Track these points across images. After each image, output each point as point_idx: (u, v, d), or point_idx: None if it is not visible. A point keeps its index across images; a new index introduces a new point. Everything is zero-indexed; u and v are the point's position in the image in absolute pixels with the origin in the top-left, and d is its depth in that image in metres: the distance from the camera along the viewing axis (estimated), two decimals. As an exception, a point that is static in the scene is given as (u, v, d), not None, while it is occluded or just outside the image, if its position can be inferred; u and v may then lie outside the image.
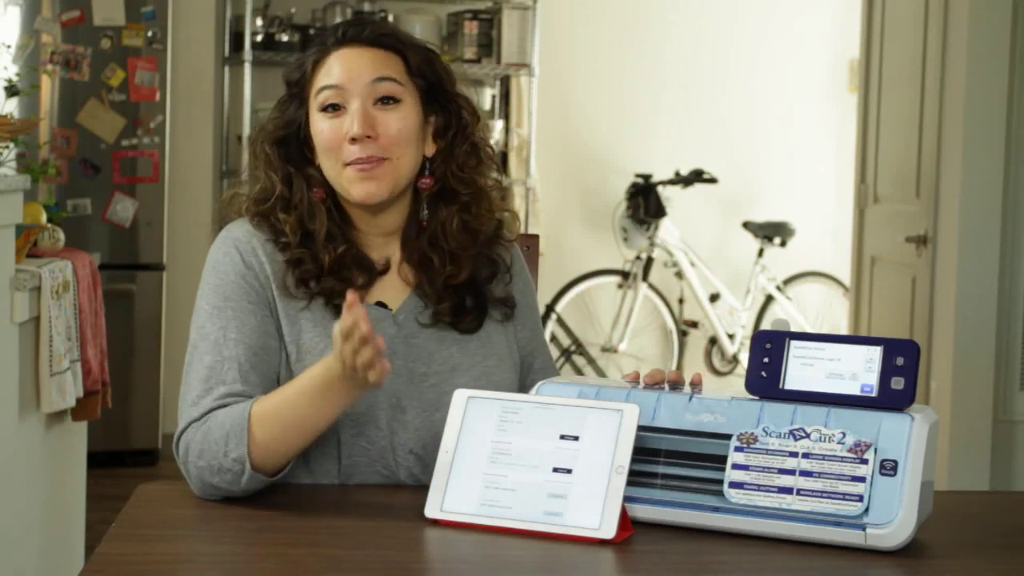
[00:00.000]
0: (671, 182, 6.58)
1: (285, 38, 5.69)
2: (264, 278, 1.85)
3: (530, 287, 2.03)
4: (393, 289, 1.91)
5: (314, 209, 1.87)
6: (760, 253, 6.83)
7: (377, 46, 1.87)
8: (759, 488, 1.58)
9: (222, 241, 1.88)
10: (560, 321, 6.49)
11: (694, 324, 6.86)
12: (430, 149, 1.91)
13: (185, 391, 1.80)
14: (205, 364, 1.79)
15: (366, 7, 5.81)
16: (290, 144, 1.90)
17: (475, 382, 1.84)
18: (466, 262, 1.91)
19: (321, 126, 1.86)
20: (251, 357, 1.80)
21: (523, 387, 1.93)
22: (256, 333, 1.81)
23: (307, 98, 1.88)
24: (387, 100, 1.85)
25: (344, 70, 1.85)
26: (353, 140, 1.83)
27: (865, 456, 1.56)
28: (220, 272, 1.85)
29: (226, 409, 1.74)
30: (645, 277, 6.57)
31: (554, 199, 6.65)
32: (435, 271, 1.89)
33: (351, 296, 1.59)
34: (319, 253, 1.85)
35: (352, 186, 1.85)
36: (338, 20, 5.73)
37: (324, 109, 1.85)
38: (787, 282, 6.94)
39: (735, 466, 1.60)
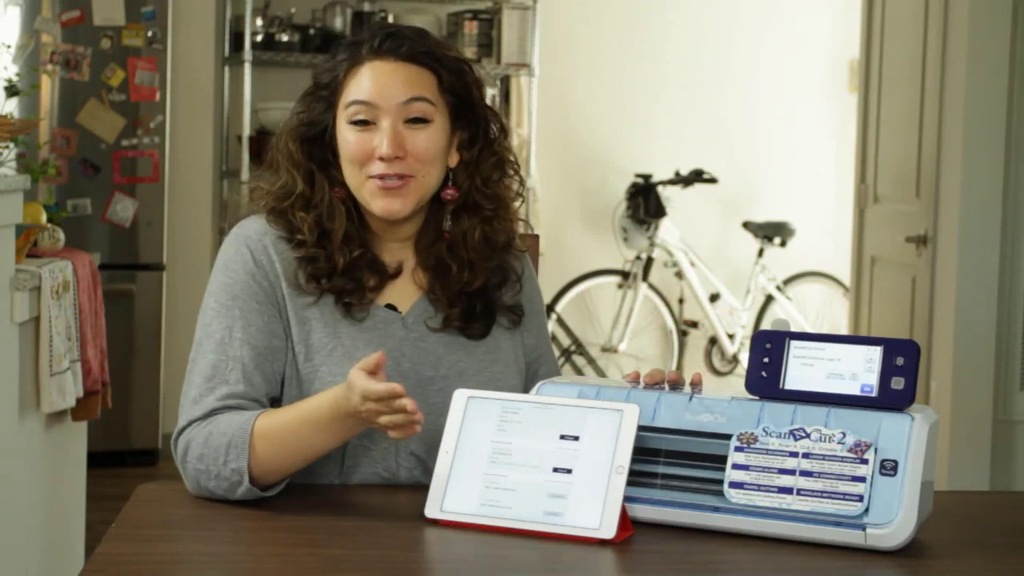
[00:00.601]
0: (671, 182, 6.58)
1: (285, 38, 5.68)
2: (274, 277, 1.85)
3: (538, 294, 2.03)
4: (403, 292, 1.91)
5: (334, 209, 1.87)
6: (760, 253, 6.83)
7: (412, 62, 1.85)
8: (759, 488, 1.58)
9: (234, 238, 1.88)
10: (560, 321, 6.49)
11: (694, 324, 6.86)
12: (453, 160, 1.90)
13: (187, 388, 1.80)
14: (209, 362, 1.79)
15: (366, 7, 5.80)
16: (314, 142, 1.89)
17: (481, 388, 1.83)
18: (482, 271, 1.91)
19: (349, 138, 1.84)
20: (255, 358, 1.80)
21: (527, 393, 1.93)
22: (262, 334, 1.81)
23: (336, 103, 1.87)
24: (418, 120, 1.84)
25: (377, 87, 1.83)
26: (381, 158, 1.82)
27: (865, 456, 1.56)
28: (230, 270, 1.85)
29: (229, 416, 1.73)
30: (645, 277, 6.57)
31: (554, 199, 6.65)
32: (452, 278, 1.89)
33: (382, 357, 1.61)
34: (334, 254, 1.85)
35: (374, 200, 1.84)
36: (338, 20, 5.74)
37: (354, 123, 1.84)
38: (787, 282, 6.94)
39: (735, 466, 1.60)
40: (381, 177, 1.83)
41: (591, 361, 6.55)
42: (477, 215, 1.91)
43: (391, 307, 1.89)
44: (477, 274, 1.90)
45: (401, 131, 1.83)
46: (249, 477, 1.68)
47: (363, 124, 1.84)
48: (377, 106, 1.83)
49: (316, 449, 1.70)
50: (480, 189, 1.91)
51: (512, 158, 1.95)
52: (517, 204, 1.96)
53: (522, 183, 1.97)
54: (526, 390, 1.93)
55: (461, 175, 1.91)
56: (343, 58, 1.88)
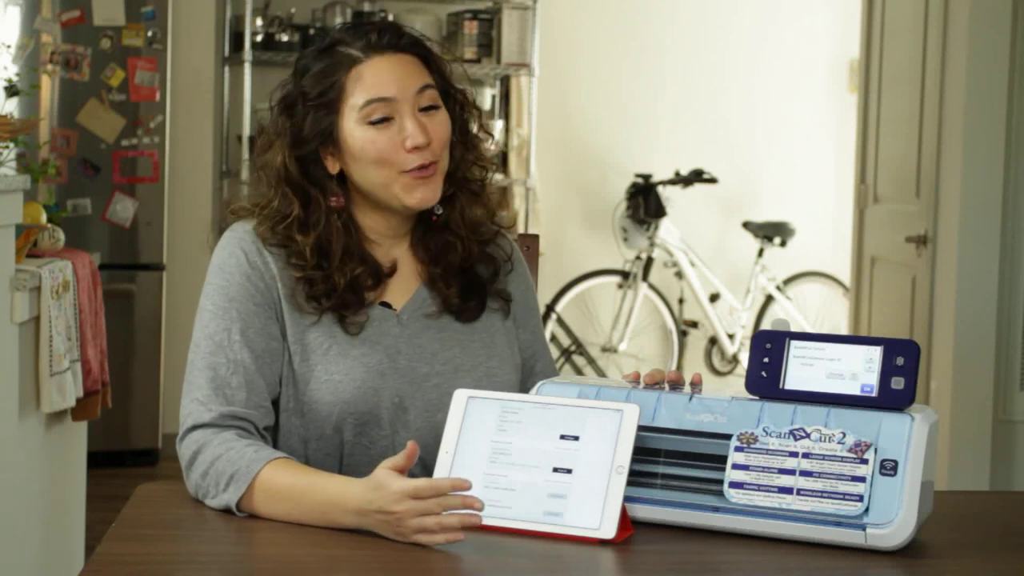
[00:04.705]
0: (671, 182, 6.58)
1: (285, 38, 5.69)
2: (270, 278, 1.84)
3: (531, 289, 2.03)
4: (399, 288, 1.91)
5: (331, 228, 1.85)
6: (760, 253, 6.83)
7: (408, 52, 1.87)
8: (759, 488, 1.58)
9: (227, 241, 1.87)
10: (560, 321, 6.49)
11: (694, 324, 6.85)
12: None
13: (188, 388, 1.79)
14: (210, 364, 1.78)
15: (366, 7, 5.80)
16: (306, 159, 1.86)
17: (477, 383, 1.84)
18: (474, 246, 1.93)
19: (371, 137, 1.83)
20: (255, 360, 1.79)
21: (524, 390, 1.93)
22: (260, 336, 1.81)
23: (339, 109, 1.84)
24: (429, 108, 1.85)
25: (392, 81, 1.83)
26: (414, 148, 1.82)
27: (865, 456, 1.56)
28: (225, 272, 1.84)
29: (242, 447, 1.70)
30: (645, 277, 6.57)
31: (554, 199, 6.65)
32: (453, 255, 1.90)
33: (412, 447, 1.55)
34: (333, 274, 1.84)
35: (408, 194, 1.84)
36: (338, 20, 5.74)
37: (372, 122, 1.83)
38: (787, 282, 6.94)
39: (735, 466, 1.60)
40: (417, 170, 1.83)
41: (591, 361, 6.55)
42: (464, 190, 1.93)
43: (385, 304, 1.89)
44: (471, 251, 1.93)
45: (421, 119, 1.84)
46: (237, 508, 1.67)
47: (382, 122, 1.84)
48: (395, 99, 1.83)
49: (308, 522, 1.63)
50: (467, 161, 1.93)
51: (485, 133, 1.97)
52: (489, 175, 1.97)
53: (493, 144, 2.00)
54: (523, 388, 1.93)
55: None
56: (333, 63, 1.85)
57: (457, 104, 1.93)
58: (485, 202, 1.95)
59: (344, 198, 1.88)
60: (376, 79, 1.84)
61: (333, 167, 1.87)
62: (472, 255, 1.93)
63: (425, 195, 1.85)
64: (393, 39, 1.86)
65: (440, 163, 1.86)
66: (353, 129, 1.84)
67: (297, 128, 1.86)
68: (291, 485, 1.64)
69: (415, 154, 1.83)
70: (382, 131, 1.83)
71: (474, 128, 1.94)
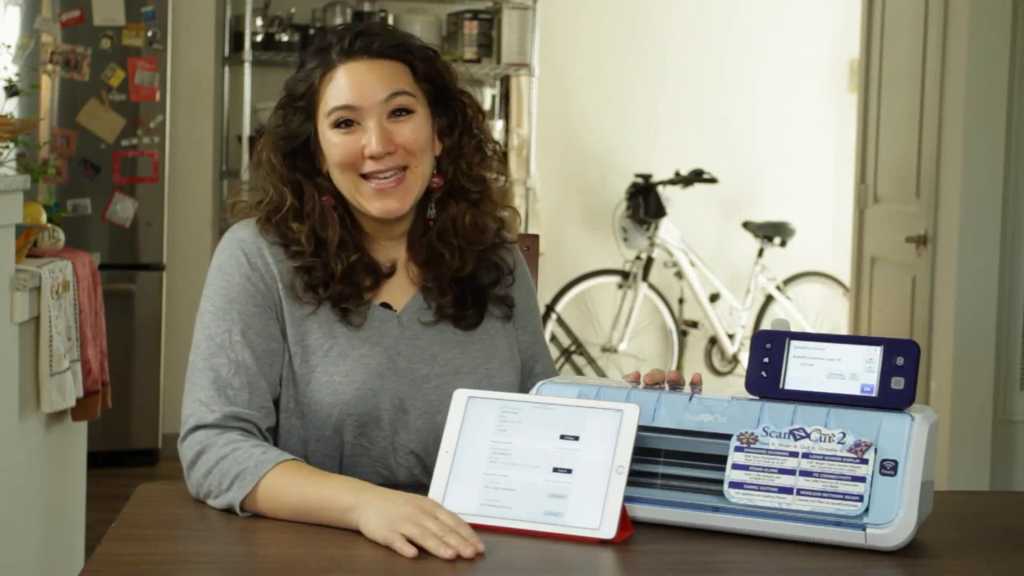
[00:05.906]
0: (671, 182, 6.58)
1: (285, 38, 5.69)
2: (271, 279, 1.84)
3: (532, 291, 2.03)
4: (398, 290, 1.91)
5: (326, 217, 1.86)
6: (760, 253, 6.83)
7: (384, 58, 1.85)
8: (759, 488, 1.58)
9: (228, 242, 1.87)
10: (560, 321, 6.49)
11: (694, 324, 6.86)
12: (437, 148, 1.91)
13: (190, 389, 1.79)
14: (211, 365, 1.78)
15: (366, 7, 5.80)
16: (297, 154, 1.88)
17: (477, 384, 1.83)
18: (472, 256, 1.92)
19: (335, 141, 1.84)
20: (256, 361, 1.79)
21: (524, 391, 1.93)
22: (261, 337, 1.81)
23: (315, 112, 1.87)
24: (400, 112, 1.85)
25: (356, 87, 1.83)
26: (372, 156, 1.82)
27: (865, 456, 1.56)
28: (225, 274, 1.84)
29: (248, 448, 1.70)
30: (645, 277, 6.57)
31: (554, 199, 6.65)
32: (444, 265, 1.90)
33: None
34: (331, 261, 1.85)
35: (371, 203, 1.84)
36: (338, 20, 5.73)
37: (337, 126, 1.84)
38: (787, 282, 6.94)
39: (735, 466, 1.60)
40: (375, 175, 1.83)
41: (591, 361, 6.55)
42: (464, 199, 1.92)
43: (386, 306, 1.89)
44: (467, 260, 1.91)
45: (387, 126, 1.83)
46: (242, 508, 1.67)
47: (347, 126, 1.84)
48: (359, 107, 1.83)
49: (311, 515, 1.63)
50: (465, 173, 1.91)
51: (491, 141, 1.95)
52: (500, 184, 1.96)
53: (500, 161, 1.98)
54: (523, 388, 1.93)
55: (444, 162, 1.91)
56: (314, 65, 1.86)
57: (455, 109, 1.91)
58: (487, 210, 1.94)
59: (340, 196, 1.88)
60: (343, 85, 1.84)
61: (323, 165, 1.88)
62: (468, 264, 1.91)
63: (387, 205, 1.84)
64: (365, 44, 1.84)
65: (412, 169, 1.85)
66: (324, 133, 1.86)
67: (283, 127, 1.89)
68: (299, 498, 1.63)
69: (372, 161, 1.82)
70: (346, 136, 1.84)
71: (476, 133, 1.93)
